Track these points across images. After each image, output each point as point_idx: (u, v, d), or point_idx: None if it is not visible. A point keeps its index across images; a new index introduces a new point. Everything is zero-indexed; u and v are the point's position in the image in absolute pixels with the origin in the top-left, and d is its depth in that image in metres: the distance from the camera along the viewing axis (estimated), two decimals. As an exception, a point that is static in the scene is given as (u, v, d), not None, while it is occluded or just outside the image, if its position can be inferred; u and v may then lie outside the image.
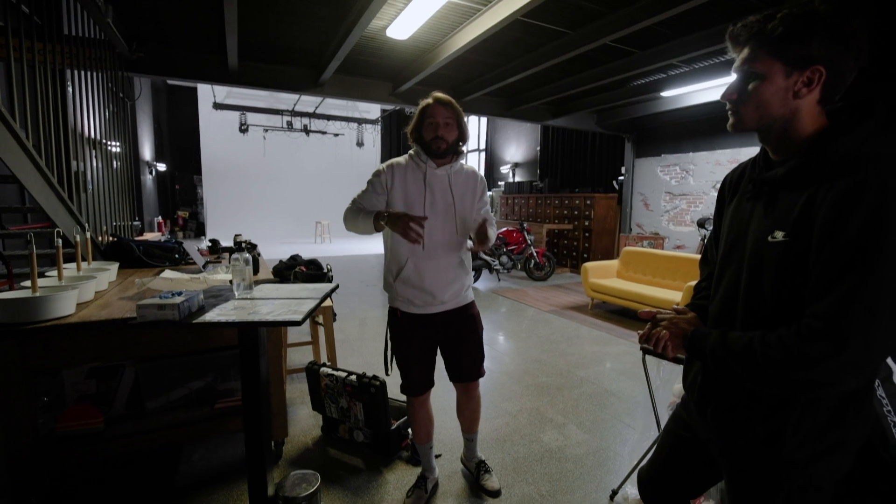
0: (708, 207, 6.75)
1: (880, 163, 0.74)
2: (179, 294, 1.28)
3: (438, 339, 1.84)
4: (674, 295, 4.46)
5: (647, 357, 1.88)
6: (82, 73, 3.30)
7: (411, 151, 1.78)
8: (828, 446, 0.85)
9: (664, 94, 5.96)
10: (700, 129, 6.84)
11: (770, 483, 0.90)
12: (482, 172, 13.45)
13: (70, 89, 3.13)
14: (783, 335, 0.78)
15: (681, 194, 7.20)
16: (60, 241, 1.82)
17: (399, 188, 1.71)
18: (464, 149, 1.78)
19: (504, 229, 7.47)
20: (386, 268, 1.83)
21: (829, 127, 0.83)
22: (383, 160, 17.94)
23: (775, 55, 0.81)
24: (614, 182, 8.32)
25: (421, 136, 1.72)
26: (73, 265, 2.11)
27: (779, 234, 0.82)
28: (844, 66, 0.79)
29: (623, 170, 8.11)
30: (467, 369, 1.88)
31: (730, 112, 0.90)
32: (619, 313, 5.22)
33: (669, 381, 1.99)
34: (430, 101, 1.70)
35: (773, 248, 0.83)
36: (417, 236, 1.55)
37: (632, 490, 1.96)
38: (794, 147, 0.85)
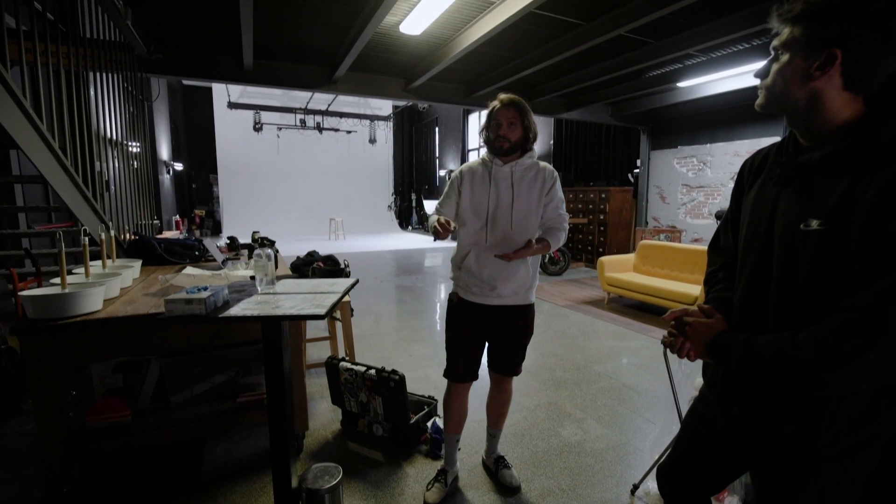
0: (726, 199, 6.62)
1: None
2: (205, 289, 1.30)
3: (489, 332, 1.86)
4: (692, 289, 4.39)
5: (669, 351, 1.85)
6: (103, 75, 3.36)
7: (483, 155, 1.85)
8: (863, 439, 0.83)
9: (681, 84, 5.85)
10: (718, 119, 6.71)
11: (802, 478, 0.88)
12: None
13: (92, 91, 3.20)
14: (815, 333, 0.75)
15: (698, 186, 7.08)
16: (87, 239, 1.86)
17: (467, 187, 1.81)
18: (534, 147, 1.81)
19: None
20: (453, 257, 1.90)
21: (868, 114, 0.79)
22: (395, 156, 17.89)
23: (799, 35, 0.79)
24: (630, 175, 8.21)
25: (488, 137, 1.79)
26: (98, 263, 2.16)
27: (814, 223, 0.79)
28: (868, 51, 0.74)
29: (639, 162, 8.00)
30: (505, 365, 1.92)
31: (759, 90, 0.90)
32: (635, 308, 5.16)
33: (691, 375, 1.97)
34: (496, 103, 1.76)
35: (808, 237, 0.80)
36: (443, 230, 1.58)
37: (653, 485, 1.94)
38: (827, 133, 0.82)
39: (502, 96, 1.76)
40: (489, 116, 1.78)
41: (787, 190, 0.86)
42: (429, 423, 2.33)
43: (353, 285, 1.64)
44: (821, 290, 0.79)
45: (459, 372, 1.88)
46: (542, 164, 1.83)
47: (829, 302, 0.77)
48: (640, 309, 5.08)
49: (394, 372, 2.21)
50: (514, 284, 1.78)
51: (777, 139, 0.95)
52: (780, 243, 0.85)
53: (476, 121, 14.07)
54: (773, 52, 0.86)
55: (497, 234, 1.76)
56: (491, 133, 1.76)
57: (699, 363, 1.79)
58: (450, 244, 9.14)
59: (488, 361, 1.94)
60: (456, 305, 1.86)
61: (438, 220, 1.59)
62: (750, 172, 1.01)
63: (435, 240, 1.65)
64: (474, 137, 14.32)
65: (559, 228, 1.79)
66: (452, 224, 1.61)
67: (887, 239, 0.70)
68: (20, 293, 1.59)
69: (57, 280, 1.69)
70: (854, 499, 0.88)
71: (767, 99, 0.88)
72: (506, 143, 1.73)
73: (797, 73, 0.81)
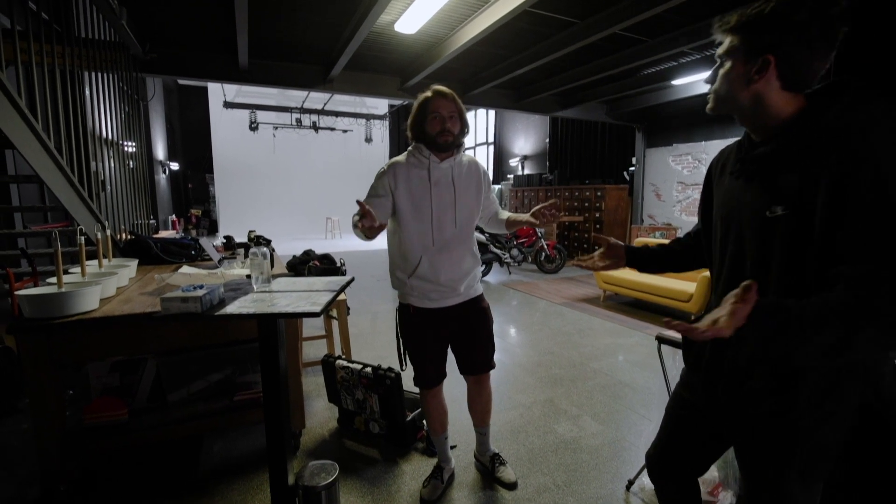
0: (721, 197, 6.66)
1: (866, 130, 0.78)
2: (201, 287, 1.31)
3: (450, 333, 1.85)
4: (687, 285, 4.42)
5: (663, 347, 1.88)
6: (98, 74, 3.35)
7: (410, 149, 1.75)
8: (830, 408, 0.88)
9: (675, 82, 5.88)
10: (713, 117, 6.67)
11: (783, 451, 0.93)
12: (490, 166, 13.38)
13: (87, 91, 3.19)
14: (839, 297, 0.74)
15: (693, 184, 7.11)
16: (83, 238, 1.86)
17: (403, 188, 1.67)
18: (465, 141, 1.77)
19: (514, 223, 7.45)
20: (394, 266, 1.78)
21: (807, 107, 0.88)
22: (391, 155, 17.84)
23: (738, 44, 0.89)
24: (625, 173, 8.24)
25: (423, 131, 1.67)
26: (94, 262, 2.16)
27: (778, 209, 0.86)
28: (798, 55, 0.84)
29: (634, 160, 8.03)
30: (479, 362, 1.90)
31: (708, 95, 0.99)
32: (631, 305, 5.19)
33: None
34: (430, 94, 1.66)
35: (776, 223, 0.87)
36: (370, 220, 1.45)
37: (648, 481, 1.96)
38: (774, 128, 0.90)
39: (437, 87, 1.66)
40: (422, 108, 1.66)
41: (750, 182, 0.94)
42: (425, 421, 2.34)
43: (348, 283, 1.65)
44: (792, 272, 0.85)
45: (431, 377, 1.86)
46: (469, 158, 1.82)
47: (800, 284, 0.83)
48: (636, 306, 5.11)
49: (390, 370, 2.22)
50: (469, 279, 1.78)
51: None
52: (752, 232, 0.92)
53: (471, 120, 14.08)
54: (718, 60, 0.95)
55: (444, 236, 1.71)
56: (430, 127, 1.65)
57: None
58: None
59: (461, 367, 1.92)
60: (412, 316, 1.79)
61: (361, 221, 1.46)
62: (717, 169, 1.09)
63: (367, 238, 1.51)
64: (469, 136, 14.31)
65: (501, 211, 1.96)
66: (378, 222, 1.46)
67: (863, 210, 0.75)
68: (16, 292, 1.59)
69: (53, 279, 1.70)
70: (829, 467, 0.93)
71: (716, 102, 0.97)
72: (450, 136, 1.65)
73: (739, 77, 0.90)
